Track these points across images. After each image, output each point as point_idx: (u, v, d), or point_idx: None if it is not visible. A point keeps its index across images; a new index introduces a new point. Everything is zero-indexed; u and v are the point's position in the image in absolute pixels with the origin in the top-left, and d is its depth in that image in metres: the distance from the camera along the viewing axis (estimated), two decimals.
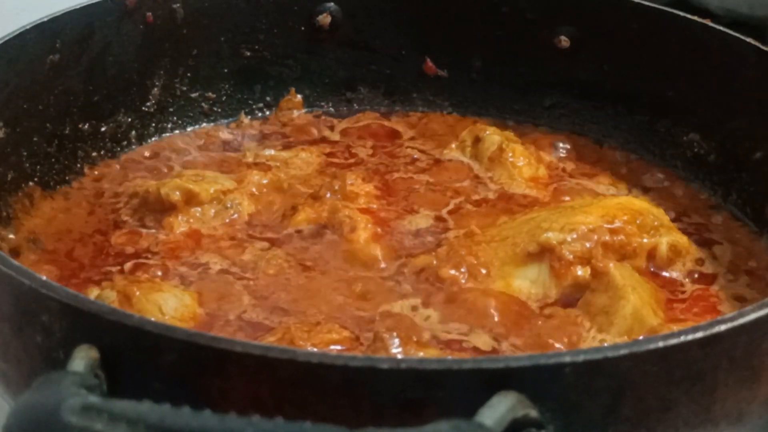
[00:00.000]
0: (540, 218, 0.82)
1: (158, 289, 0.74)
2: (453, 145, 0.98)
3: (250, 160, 0.96)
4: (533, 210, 0.87)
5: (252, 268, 0.80)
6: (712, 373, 0.56)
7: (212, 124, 1.03)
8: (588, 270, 0.77)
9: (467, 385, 0.51)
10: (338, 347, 0.70)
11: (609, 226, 0.80)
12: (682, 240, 0.82)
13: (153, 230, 0.84)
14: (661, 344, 0.53)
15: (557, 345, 0.72)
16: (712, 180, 0.94)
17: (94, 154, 0.95)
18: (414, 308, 0.76)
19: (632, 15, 0.98)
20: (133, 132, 0.98)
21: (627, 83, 1.00)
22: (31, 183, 0.87)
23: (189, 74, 1.01)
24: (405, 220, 0.87)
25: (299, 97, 1.06)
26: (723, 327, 0.55)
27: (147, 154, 0.98)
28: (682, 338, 0.54)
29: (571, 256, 0.78)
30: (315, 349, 0.69)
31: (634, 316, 0.73)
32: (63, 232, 0.85)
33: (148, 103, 0.99)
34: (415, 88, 1.07)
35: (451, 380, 0.51)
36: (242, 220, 0.86)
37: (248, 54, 1.04)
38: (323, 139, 1.01)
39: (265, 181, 0.91)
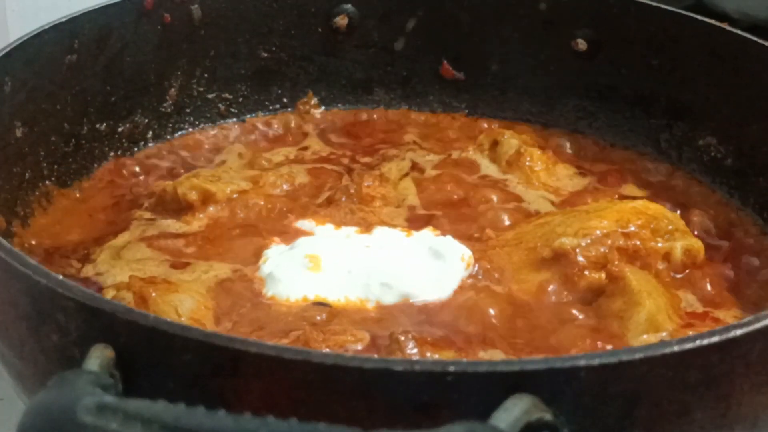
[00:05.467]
0: (555, 222, 0.82)
1: (174, 290, 0.74)
2: (470, 148, 0.98)
3: (266, 161, 0.96)
4: (548, 214, 0.87)
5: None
6: (727, 378, 0.55)
7: (229, 124, 1.03)
8: (603, 275, 0.77)
9: (482, 388, 0.50)
10: (354, 348, 0.70)
11: (623, 230, 0.80)
12: (697, 244, 0.82)
13: (171, 230, 0.85)
14: (676, 348, 0.53)
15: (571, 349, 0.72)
16: (729, 184, 0.94)
17: (111, 153, 0.95)
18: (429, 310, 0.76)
19: (650, 18, 0.98)
20: (150, 132, 0.99)
21: (644, 86, 1.00)
22: (48, 182, 0.88)
23: (206, 75, 1.02)
24: (420, 222, 0.87)
25: (316, 98, 1.06)
26: (739, 332, 0.55)
27: (164, 153, 0.98)
28: (698, 343, 0.53)
29: (586, 261, 0.78)
30: (330, 351, 0.69)
31: (649, 322, 0.73)
32: (80, 231, 0.85)
33: (165, 104, 1.00)
34: (431, 90, 1.07)
35: (465, 383, 0.50)
36: (257, 221, 0.86)
37: (265, 55, 1.04)
38: (339, 141, 1.01)
39: (280, 182, 0.91)
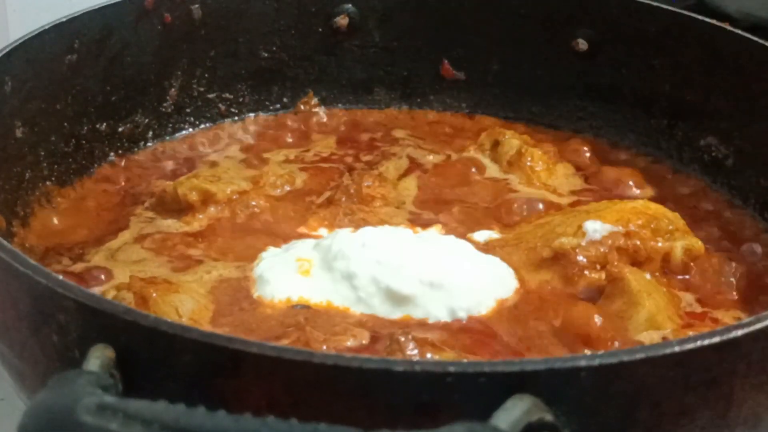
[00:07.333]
0: (554, 222, 0.82)
1: (175, 290, 0.74)
2: (471, 148, 0.98)
3: (266, 161, 0.96)
4: (548, 214, 0.87)
5: None
6: (728, 378, 0.55)
7: (229, 124, 1.03)
8: (603, 275, 0.77)
9: (482, 388, 0.50)
10: (355, 346, 0.70)
11: (623, 230, 0.80)
12: (697, 244, 0.82)
13: (171, 230, 0.85)
14: (677, 349, 0.53)
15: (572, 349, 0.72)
16: (729, 184, 0.94)
17: (111, 153, 0.95)
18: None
19: (650, 18, 0.98)
20: (150, 132, 0.98)
21: (645, 86, 1.00)
22: (48, 182, 0.88)
23: (206, 75, 1.02)
24: (420, 223, 0.87)
25: (316, 98, 1.06)
26: (740, 332, 0.55)
27: (164, 153, 0.98)
28: (699, 343, 0.53)
29: (585, 261, 0.78)
30: (330, 351, 0.69)
31: (649, 322, 0.73)
32: (80, 231, 0.85)
33: (166, 104, 0.99)
34: (432, 90, 1.07)
35: (466, 383, 0.50)
36: (257, 222, 0.86)
37: (266, 55, 1.04)
38: (339, 141, 1.01)
39: (280, 182, 0.91)
